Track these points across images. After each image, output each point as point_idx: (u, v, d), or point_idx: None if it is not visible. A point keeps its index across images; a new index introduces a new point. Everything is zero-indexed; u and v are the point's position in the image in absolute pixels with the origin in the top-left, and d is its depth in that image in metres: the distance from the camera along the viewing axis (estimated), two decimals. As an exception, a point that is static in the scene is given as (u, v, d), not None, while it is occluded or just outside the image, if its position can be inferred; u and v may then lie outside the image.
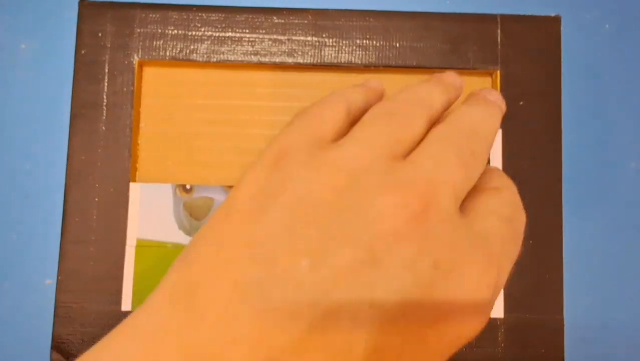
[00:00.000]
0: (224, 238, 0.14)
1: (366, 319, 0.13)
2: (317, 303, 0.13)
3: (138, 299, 0.26)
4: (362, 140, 0.15)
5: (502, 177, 0.18)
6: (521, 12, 0.29)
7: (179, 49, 0.28)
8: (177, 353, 0.13)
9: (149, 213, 0.27)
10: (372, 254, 0.13)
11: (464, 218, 0.15)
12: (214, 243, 0.14)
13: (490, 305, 0.15)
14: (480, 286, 0.14)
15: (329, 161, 0.15)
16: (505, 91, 0.28)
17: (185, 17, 0.28)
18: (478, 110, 0.18)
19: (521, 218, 0.17)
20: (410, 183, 0.14)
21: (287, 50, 0.28)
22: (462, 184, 0.15)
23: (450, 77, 0.19)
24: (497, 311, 0.27)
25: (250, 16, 0.28)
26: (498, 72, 0.28)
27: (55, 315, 0.26)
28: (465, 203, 0.16)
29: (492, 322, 0.27)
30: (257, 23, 0.28)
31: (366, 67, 0.28)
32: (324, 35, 0.28)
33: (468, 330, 0.14)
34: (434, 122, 0.17)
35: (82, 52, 0.28)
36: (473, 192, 0.16)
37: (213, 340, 0.13)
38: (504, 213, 0.16)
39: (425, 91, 0.18)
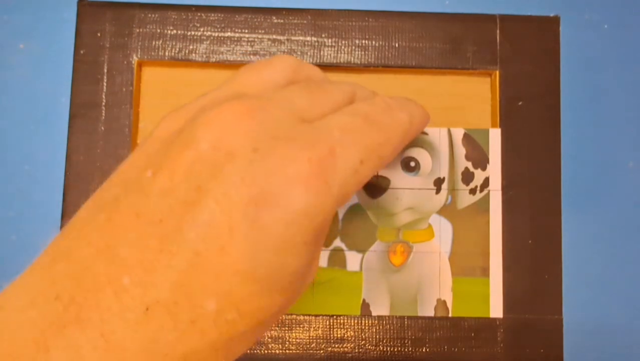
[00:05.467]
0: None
1: (201, 200, 0.15)
2: (158, 195, 0.15)
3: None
4: (220, 87, 0.18)
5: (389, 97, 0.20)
6: (520, 13, 0.29)
7: (178, 49, 0.28)
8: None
9: (148, 213, 0.27)
10: (202, 153, 0.15)
11: (307, 122, 0.17)
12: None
13: (317, 178, 0.15)
14: (299, 161, 0.15)
15: (186, 106, 0.18)
16: (505, 91, 0.28)
17: (184, 17, 0.28)
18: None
19: (386, 116, 0.19)
20: (248, 98, 0.17)
21: (286, 50, 0.28)
22: (304, 103, 0.17)
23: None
24: (497, 311, 0.27)
25: (250, 16, 0.28)
26: (497, 72, 0.28)
27: (54, 316, 0.26)
28: None
29: (492, 322, 0.27)
30: (257, 23, 0.28)
31: (365, 67, 0.28)
32: (323, 36, 0.28)
33: (297, 201, 0.15)
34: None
35: (81, 52, 0.28)
36: None
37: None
38: (357, 110, 0.18)
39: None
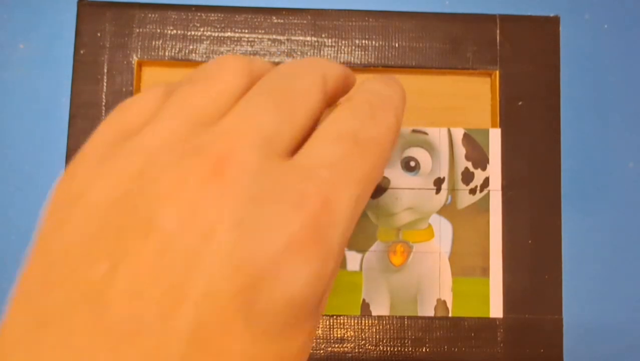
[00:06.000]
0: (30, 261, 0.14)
1: (181, 301, 0.12)
2: (123, 302, 0.12)
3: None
4: (161, 118, 0.14)
5: (368, 83, 0.16)
6: (520, 13, 0.29)
7: (178, 49, 0.28)
8: None
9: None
10: (169, 239, 0.12)
11: (286, 160, 0.13)
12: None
13: (316, 242, 0.13)
14: (291, 226, 0.12)
15: (125, 150, 0.14)
16: (504, 91, 0.28)
17: (184, 17, 0.28)
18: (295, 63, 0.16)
19: (374, 126, 0.15)
20: (208, 148, 0.13)
21: (286, 50, 0.28)
22: (278, 127, 0.14)
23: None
24: (497, 311, 0.27)
25: (250, 16, 0.28)
26: (497, 72, 0.28)
27: (54, 316, 0.26)
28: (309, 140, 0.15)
29: (492, 322, 0.27)
30: (256, 23, 0.28)
31: (365, 67, 0.28)
32: (323, 36, 0.28)
33: (298, 274, 0.12)
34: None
35: (81, 52, 0.28)
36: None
37: None
38: (342, 133, 0.14)
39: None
